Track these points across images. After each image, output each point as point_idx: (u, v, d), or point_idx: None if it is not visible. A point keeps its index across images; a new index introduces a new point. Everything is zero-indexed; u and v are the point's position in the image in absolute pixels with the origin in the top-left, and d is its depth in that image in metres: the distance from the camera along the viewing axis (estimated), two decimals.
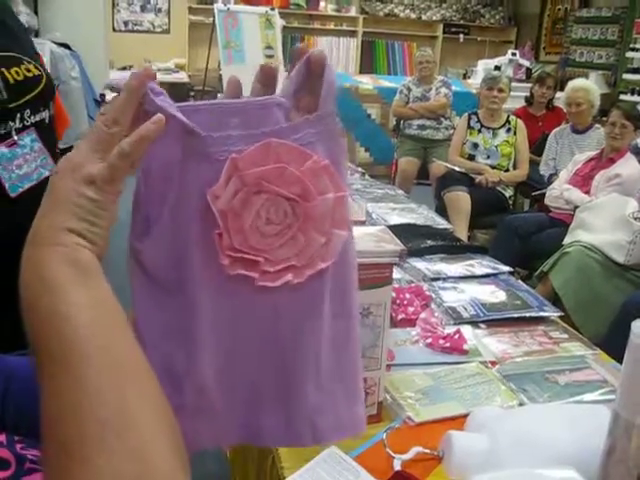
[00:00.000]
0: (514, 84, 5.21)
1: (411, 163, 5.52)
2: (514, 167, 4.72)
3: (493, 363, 1.53)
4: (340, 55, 9.04)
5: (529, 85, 5.84)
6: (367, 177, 3.37)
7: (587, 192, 3.82)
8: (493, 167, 4.64)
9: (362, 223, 1.40)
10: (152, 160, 0.58)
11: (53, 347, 0.46)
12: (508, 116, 4.80)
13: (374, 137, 6.85)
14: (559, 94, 5.48)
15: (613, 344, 1.70)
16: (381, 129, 6.88)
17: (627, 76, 7.81)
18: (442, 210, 4.24)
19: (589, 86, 4.67)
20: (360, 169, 3.50)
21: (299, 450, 1.19)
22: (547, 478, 0.68)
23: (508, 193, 4.64)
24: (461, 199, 4.35)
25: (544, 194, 4.20)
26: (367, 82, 7.23)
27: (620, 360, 1.56)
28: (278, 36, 7.37)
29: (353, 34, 9.58)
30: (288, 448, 1.20)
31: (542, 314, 1.79)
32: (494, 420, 1.21)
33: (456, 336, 1.58)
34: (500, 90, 4.66)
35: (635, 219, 3.16)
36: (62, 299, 0.48)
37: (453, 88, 5.88)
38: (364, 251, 1.17)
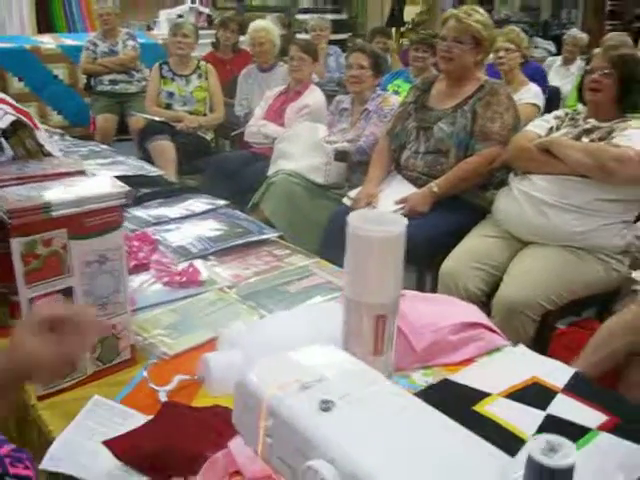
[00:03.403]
0: (199, 32, 5.27)
1: (109, 119, 5.38)
2: (210, 111, 4.84)
3: (230, 288, 1.62)
4: (13, 15, 8.33)
5: (213, 32, 5.95)
6: (67, 137, 3.25)
7: (282, 124, 4.07)
8: (191, 113, 4.71)
9: (82, 173, 1.39)
10: None
11: None
12: (198, 62, 4.88)
13: (65, 99, 6.53)
14: (242, 38, 5.67)
15: (328, 255, 1.89)
16: (71, 89, 6.58)
17: (299, 16, 8.30)
18: (148, 162, 4.22)
19: (269, 26, 4.91)
20: (59, 130, 3.36)
21: (61, 410, 1.19)
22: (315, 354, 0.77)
23: (209, 136, 4.77)
24: (165, 148, 4.38)
25: (243, 132, 4.38)
26: (49, 42, 6.80)
27: (336, 265, 1.76)
28: None
29: None
30: (49, 411, 1.19)
31: (263, 237, 1.93)
32: (241, 336, 1.31)
33: (190, 269, 1.65)
34: (184, 35, 4.71)
35: (327, 142, 3.45)
36: None
37: (139, 40, 5.79)
38: (90, 197, 1.18)
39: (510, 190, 2.59)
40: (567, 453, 0.52)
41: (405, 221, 0.99)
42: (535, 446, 0.52)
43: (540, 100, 4.21)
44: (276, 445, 0.66)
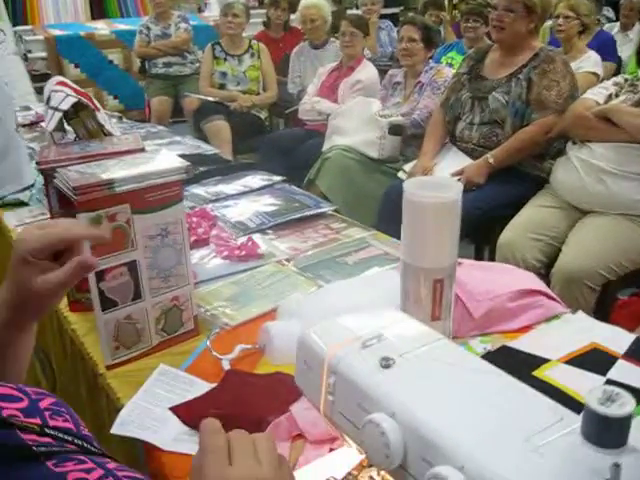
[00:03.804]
0: (251, 12, 5.29)
1: (164, 102, 5.45)
2: (264, 90, 4.87)
3: (288, 261, 1.65)
4: (67, 2, 8.49)
5: (264, 11, 5.96)
6: (125, 120, 3.32)
7: (335, 100, 4.07)
8: (244, 92, 4.76)
9: (141, 150, 1.43)
10: None
11: None
12: (250, 41, 4.91)
13: (120, 83, 6.64)
14: (293, 16, 5.68)
15: (384, 228, 1.90)
16: (126, 74, 6.69)
17: None
18: (204, 142, 4.29)
19: (320, 2, 4.89)
20: (116, 114, 3.43)
21: (128, 379, 1.23)
22: (374, 315, 0.78)
23: (263, 115, 4.81)
24: (220, 127, 4.44)
25: (297, 110, 4.40)
26: (103, 27, 6.92)
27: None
28: None
29: None
30: (117, 379, 1.24)
31: (319, 210, 1.95)
32: (300, 305, 1.33)
33: (249, 243, 1.68)
34: (235, 15, 4.74)
35: (381, 116, 3.44)
36: None
37: (191, 22, 5.84)
38: (151, 172, 1.21)
39: (568, 159, 2.55)
40: (624, 402, 0.52)
41: (460, 186, 1.00)
42: (592, 396, 0.53)
43: (600, 69, 4.09)
44: (337, 402, 0.68)
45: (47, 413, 0.63)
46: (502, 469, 0.52)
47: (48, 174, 1.38)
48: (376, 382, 0.64)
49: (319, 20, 4.76)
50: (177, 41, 5.58)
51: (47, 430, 0.59)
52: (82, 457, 0.58)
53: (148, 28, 5.64)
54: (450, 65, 4.16)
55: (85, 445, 0.61)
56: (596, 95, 2.59)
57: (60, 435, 0.59)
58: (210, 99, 4.68)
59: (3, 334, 0.84)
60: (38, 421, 0.60)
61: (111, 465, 0.59)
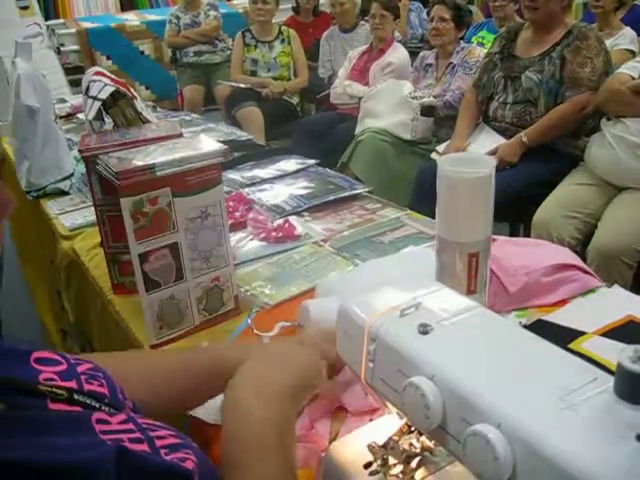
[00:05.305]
0: None
1: (196, 91, 5.50)
2: (295, 75, 4.89)
3: (324, 241, 1.68)
4: None
5: None
6: (159, 109, 3.37)
7: (366, 84, 4.08)
8: (275, 79, 4.78)
9: (179, 136, 1.46)
10: None
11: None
12: (280, 27, 4.93)
13: (152, 73, 6.71)
14: (322, 0, 5.68)
15: (418, 209, 1.92)
16: (157, 64, 6.75)
17: None
18: (237, 128, 4.33)
19: None
20: (150, 103, 3.48)
21: None
22: (412, 286, 0.80)
23: (295, 100, 4.83)
24: (253, 114, 4.47)
25: (328, 94, 4.41)
26: (133, 19, 6.99)
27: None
28: None
29: None
30: None
31: (354, 192, 1.97)
32: (339, 283, 1.36)
33: (286, 225, 1.71)
34: (264, 2, 4.75)
35: (413, 98, 3.45)
36: None
37: (220, 10, 5.87)
38: (191, 156, 1.24)
39: (603, 135, 2.53)
40: None
41: (494, 161, 1.01)
42: (624, 355, 0.55)
43: (635, 45, 3.99)
44: (378, 368, 0.71)
45: (83, 377, 0.65)
46: (537, 424, 0.54)
47: (90, 161, 1.42)
48: (415, 347, 0.66)
49: (348, 3, 4.76)
50: (207, 29, 5.61)
51: (76, 396, 0.61)
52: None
53: (178, 17, 5.67)
54: (481, 44, 4.14)
55: (112, 411, 0.63)
56: (631, 70, 2.56)
57: (89, 402, 0.61)
58: (242, 86, 4.71)
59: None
60: (74, 384, 0.62)
61: (136, 417, 0.62)
